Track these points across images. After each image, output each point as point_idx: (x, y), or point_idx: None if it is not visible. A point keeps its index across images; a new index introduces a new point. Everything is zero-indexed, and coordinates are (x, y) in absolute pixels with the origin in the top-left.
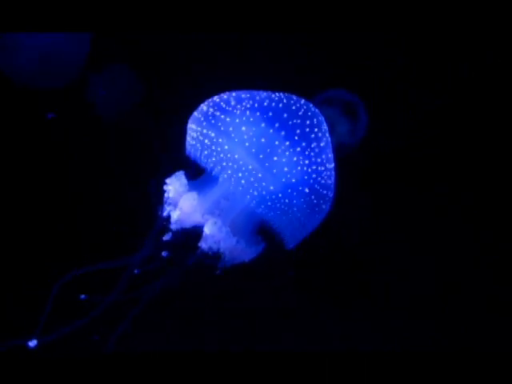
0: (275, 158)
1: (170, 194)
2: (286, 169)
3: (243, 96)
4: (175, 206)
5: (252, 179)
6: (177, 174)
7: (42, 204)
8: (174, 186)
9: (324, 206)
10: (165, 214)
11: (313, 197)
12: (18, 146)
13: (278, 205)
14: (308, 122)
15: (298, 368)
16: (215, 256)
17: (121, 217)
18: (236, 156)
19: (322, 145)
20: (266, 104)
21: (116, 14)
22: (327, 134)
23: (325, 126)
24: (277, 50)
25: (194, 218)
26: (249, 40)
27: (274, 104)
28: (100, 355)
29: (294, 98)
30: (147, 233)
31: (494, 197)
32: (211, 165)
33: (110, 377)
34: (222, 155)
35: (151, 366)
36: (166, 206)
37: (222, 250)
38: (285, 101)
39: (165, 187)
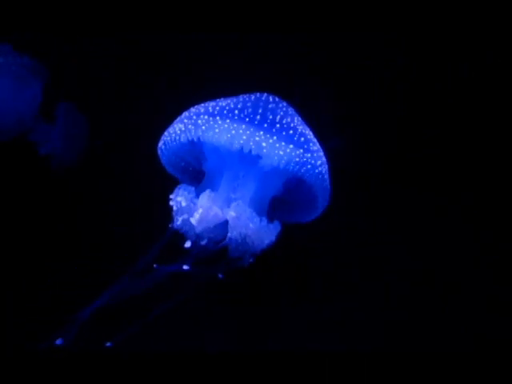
0: (278, 126)
1: (183, 204)
2: (291, 132)
3: (218, 100)
4: (189, 212)
5: (270, 141)
6: (178, 186)
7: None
8: (183, 195)
9: (326, 166)
10: (179, 222)
11: (321, 153)
12: None
13: (305, 159)
14: (280, 105)
15: (298, 368)
16: (244, 244)
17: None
18: (243, 126)
19: (300, 118)
20: (241, 99)
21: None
22: (297, 116)
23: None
24: (276, 49)
25: (215, 213)
26: (248, 40)
27: (247, 98)
28: (103, 354)
29: (257, 93)
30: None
31: (494, 197)
32: (216, 136)
33: (112, 377)
34: (226, 126)
35: (154, 366)
36: (178, 216)
37: (250, 233)
38: (253, 96)
39: (171, 201)
